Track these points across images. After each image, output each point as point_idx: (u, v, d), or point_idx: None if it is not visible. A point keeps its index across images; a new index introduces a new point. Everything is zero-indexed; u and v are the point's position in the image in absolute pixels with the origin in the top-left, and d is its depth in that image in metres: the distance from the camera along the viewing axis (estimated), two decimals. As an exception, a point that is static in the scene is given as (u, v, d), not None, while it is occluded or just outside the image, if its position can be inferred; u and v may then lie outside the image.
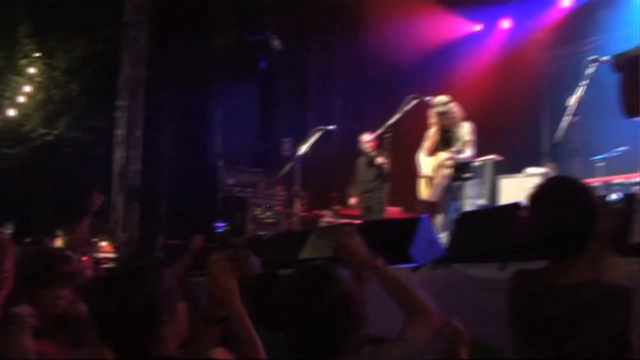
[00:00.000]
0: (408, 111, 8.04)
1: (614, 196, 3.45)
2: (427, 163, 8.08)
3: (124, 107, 9.94)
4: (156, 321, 2.38)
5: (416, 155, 8.28)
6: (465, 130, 7.86)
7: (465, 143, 7.74)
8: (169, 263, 5.67)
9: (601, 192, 9.10)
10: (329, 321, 2.38)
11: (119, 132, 9.95)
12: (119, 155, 9.87)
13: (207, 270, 2.69)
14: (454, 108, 7.93)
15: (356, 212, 10.31)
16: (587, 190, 2.71)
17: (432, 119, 8.02)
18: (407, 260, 5.30)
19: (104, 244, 10.73)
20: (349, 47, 11.52)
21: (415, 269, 5.07)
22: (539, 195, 2.69)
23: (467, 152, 7.85)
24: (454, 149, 7.72)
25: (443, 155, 7.83)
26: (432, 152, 8.08)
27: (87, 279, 4.49)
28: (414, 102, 7.99)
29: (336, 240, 2.94)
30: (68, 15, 11.94)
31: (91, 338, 2.92)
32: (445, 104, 7.89)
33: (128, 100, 9.93)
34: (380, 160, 8.99)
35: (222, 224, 9.87)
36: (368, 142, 9.36)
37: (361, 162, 9.64)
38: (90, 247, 9.26)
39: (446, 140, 7.92)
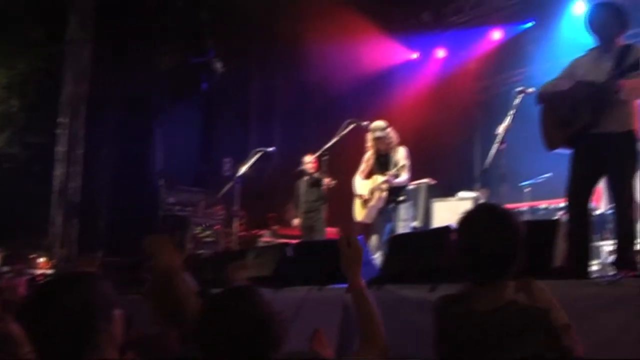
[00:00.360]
0: (345, 135, 8.27)
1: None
2: (363, 185, 8.29)
3: (66, 124, 9.87)
4: (92, 329, 2.37)
5: (353, 178, 8.50)
6: (401, 154, 8.11)
7: (401, 167, 7.97)
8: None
9: (528, 217, 9.58)
10: (249, 342, 2.41)
11: (60, 149, 9.87)
12: (59, 172, 9.79)
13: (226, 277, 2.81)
14: (391, 133, 8.18)
15: (295, 232, 10.46)
16: (511, 217, 2.82)
17: (369, 143, 8.24)
18: (342, 280, 5.48)
19: (41, 260, 10.62)
20: (290, 71, 11.72)
21: (348, 290, 5.24)
22: (466, 221, 2.83)
23: (403, 176, 8.08)
24: (390, 172, 7.94)
25: (379, 178, 8.04)
26: (368, 175, 8.29)
27: (19, 296, 4.41)
28: (351, 126, 8.23)
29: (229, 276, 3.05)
30: (10, 31, 11.80)
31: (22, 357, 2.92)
32: (382, 129, 8.13)
33: (70, 118, 9.87)
34: (327, 181, 9.14)
35: (161, 243, 9.88)
36: (310, 162, 9.50)
37: (303, 182, 9.75)
38: (28, 264, 9.20)
39: (382, 164, 8.14)
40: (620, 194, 4.98)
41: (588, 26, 5.28)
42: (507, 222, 2.75)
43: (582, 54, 5.42)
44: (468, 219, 2.80)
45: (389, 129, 8.17)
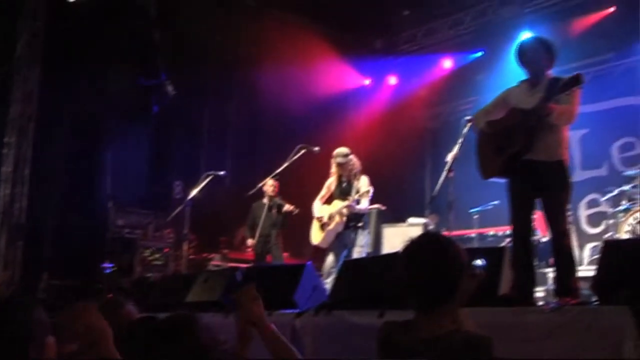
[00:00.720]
0: (296, 160, 8.31)
1: (478, 262, 3.72)
2: (322, 210, 8.31)
3: (12, 144, 9.68)
4: (24, 356, 2.34)
5: (289, 207, 8.55)
6: (364, 182, 8.15)
7: (362, 194, 8.02)
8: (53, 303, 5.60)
9: (476, 243, 9.74)
10: None
11: (6, 169, 9.66)
12: (4, 192, 9.57)
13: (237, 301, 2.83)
14: (353, 160, 8.25)
15: (246, 256, 10.42)
16: (454, 246, 2.84)
17: (333, 169, 8.30)
18: (291, 305, 5.49)
19: (-18, 283, 10.35)
20: (243, 95, 11.73)
21: (298, 315, 5.25)
22: (409, 250, 2.87)
23: (364, 203, 8.14)
24: (351, 198, 7.99)
25: (339, 203, 8.09)
26: (329, 200, 8.34)
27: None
28: (302, 151, 8.27)
29: (239, 300, 3.07)
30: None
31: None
32: (345, 155, 8.19)
33: (17, 137, 9.69)
34: (290, 208, 9.13)
35: (109, 265, 9.75)
36: (272, 186, 9.38)
37: (262, 205, 9.55)
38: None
39: (344, 190, 8.18)
40: (555, 223, 5.11)
41: (518, 59, 5.45)
42: (449, 250, 2.79)
43: (514, 84, 5.56)
44: (411, 247, 2.84)
45: (351, 156, 8.24)
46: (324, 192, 8.39)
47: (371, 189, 8.02)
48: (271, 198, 9.41)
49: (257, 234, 9.33)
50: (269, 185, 9.29)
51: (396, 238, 9.92)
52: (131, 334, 3.07)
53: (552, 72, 5.42)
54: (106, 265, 9.72)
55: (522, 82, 5.49)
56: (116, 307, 3.74)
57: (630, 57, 10.48)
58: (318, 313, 5.21)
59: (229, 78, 11.39)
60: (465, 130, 6.50)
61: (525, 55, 5.41)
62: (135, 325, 3.18)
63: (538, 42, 5.54)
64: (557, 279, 5.11)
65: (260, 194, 9.37)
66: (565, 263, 5.07)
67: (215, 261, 10.47)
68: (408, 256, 2.82)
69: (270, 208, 9.38)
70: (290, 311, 5.38)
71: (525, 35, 10.97)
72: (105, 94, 10.42)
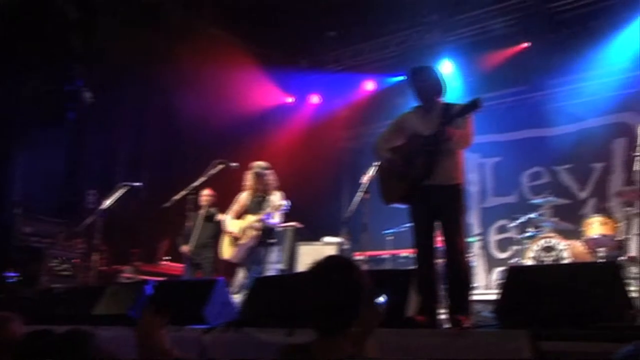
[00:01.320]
0: (213, 175, 8.26)
1: (381, 299, 3.78)
2: (234, 224, 8.26)
3: None
4: None
5: (222, 216, 8.46)
6: (278, 197, 8.18)
7: (276, 209, 8.05)
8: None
9: (389, 264, 9.89)
10: None
11: None
12: None
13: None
14: (271, 175, 8.28)
15: (159, 269, 10.26)
16: (357, 271, 2.89)
17: (248, 181, 8.26)
18: (201, 321, 5.45)
19: None
20: (163, 108, 11.58)
21: (207, 331, 5.21)
22: (314, 272, 2.91)
23: (276, 218, 8.16)
24: (264, 212, 7.99)
25: (252, 218, 8.07)
26: (241, 215, 8.30)
27: None
28: (220, 167, 8.24)
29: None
30: None
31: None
32: (264, 168, 8.24)
33: None
34: (220, 216, 8.92)
35: (13, 274, 9.41)
36: (208, 196, 9.23)
37: (197, 216, 9.26)
38: None
39: (258, 204, 8.17)
40: (452, 244, 5.26)
41: (411, 88, 5.59)
42: (352, 275, 2.83)
43: (408, 110, 5.73)
44: (315, 269, 2.87)
45: (270, 171, 8.26)
46: (236, 206, 8.36)
47: (285, 203, 8.04)
48: (208, 208, 9.23)
49: (192, 245, 9.14)
50: (205, 194, 9.15)
51: (311, 256, 9.90)
52: (24, 349, 3.00)
53: (442, 99, 5.58)
54: (10, 274, 9.37)
55: (416, 108, 5.65)
56: (3, 323, 3.62)
57: (541, 90, 10.93)
58: (227, 329, 5.19)
59: (150, 90, 11.23)
60: (375, 146, 6.63)
61: (415, 84, 5.55)
62: (29, 340, 3.11)
63: (428, 70, 5.67)
64: (451, 297, 5.22)
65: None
66: (460, 283, 5.24)
67: (126, 274, 10.24)
68: (312, 278, 2.85)
69: (206, 219, 9.20)
70: (200, 327, 5.34)
71: (446, 63, 11.35)
72: (18, 97, 10.09)
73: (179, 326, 5.33)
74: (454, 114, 5.25)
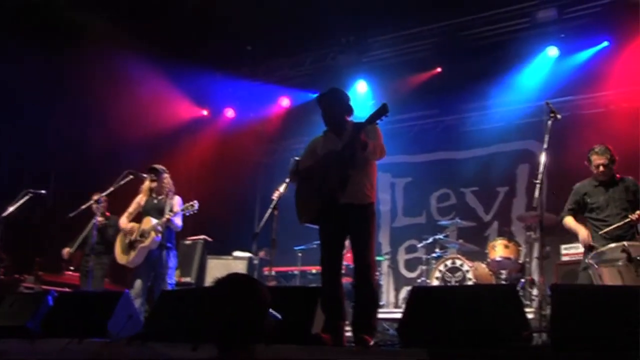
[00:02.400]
0: (122, 185, 8.12)
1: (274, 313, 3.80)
2: (133, 227, 8.09)
3: None
4: None
5: (120, 220, 8.28)
6: (176, 201, 8.10)
7: (175, 213, 7.96)
8: None
9: (297, 281, 9.92)
10: None
11: None
12: None
13: None
14: (168, 179, 8.20)
15: (62, 279, 9.95)
16: (257, 288, 2.93)
17: (146, 184, 8.16)
18: (104, 334, 5.33)
19: None
20: (73, 113, 11.24)
21: (110, 344, 5.11)
22: (214, 290, 2.92)
23: (178, 222, 8.07)
24: (167, 215, 7.87)
25: (152, 220, 7.95)
26: (137, 217, 8.16)
27: None
28: (130, 177, 8.09)
29: None
30: None
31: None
32: (161, 169, 8.17)
33: None
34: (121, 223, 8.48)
35: None
36: (105, 203, 8.91)
37: (92, 223, 8.80)
38: None
39: (156, 207, 8.05)
40: (362, 264, 5.31)
41: (321, 112, 5.67)
42: (252, 292, 2.85)
43: (320, 134, 5.79)
44: (217, 287, 2.88)
45: (167, 175, 8.17)
46: (132, 208, 8.22)
47: (195, 205, 7.98)
48: (100, 214, 8.92)
49: (85, 252, 8.92)
50: (103, 202, 8.79)
51: (220, 270, 9.89)
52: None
53: (351, 119, 5.67)
54: None
55: (328, 131, 5.73)
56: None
57: (451, 115, 11.27)
58: (131, 343, 5.09)
59: (58, 95, 10.90)
60: (294, 169, 6.67)
61: (323, 108, 5.63)
62: None
63: (333, 94, 5.73)
64: (357, 316, 5.27)
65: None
66: (368, 302, 5.29)
67: (28, 283, 9.88)
68: (212, 296, 2.85)
69: (100, 228, 8.85)
70: (102, 340, 5.22)
71: (361, 83, 11.55)
72: None
73: (80, 338, 5.21)
74: (365, 122, 5.33)
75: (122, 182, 8.04)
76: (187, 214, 8.05)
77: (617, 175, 6.86)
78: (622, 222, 6.52)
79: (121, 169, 8.17)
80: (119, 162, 8.66)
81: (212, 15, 10.28)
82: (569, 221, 6.91)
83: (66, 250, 9.24)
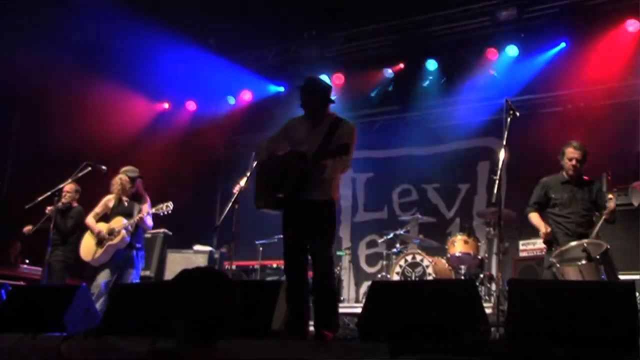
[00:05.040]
0: (81, 177, 8.04)
1: None
2: (102, 226, 7.98)
3: None
4: None
5: (87, 219, 8.19)
6: (148, 201, 8.10)
7: (148, 213, 7.94)
8: None
9: (257, 275, 9.90)
10: None
11: None
12: None
13: None
14: (139, 181, 8.16)
15: (15, 272, 9.75)
16: (225, 281, 2.90)
17: (117, 185, 8.08)
18: (60, 328, 5.25)
19: None
20: (31, 112, 11.02)
21: (66, 339, 5.04)
22: (181, 283, 2.88)
23: (149, 222, 8.05)
24: (141, 214, 7.86)
25: (122, 220, 7.89)
26: (104, 217, 8.08)
27: None
28: (88, 168, 8.02)
29: None
30: None
31: None
32: (133, 172, 8.11)
33: None
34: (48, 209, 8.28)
35: None
36: (70, 192, 8.61)
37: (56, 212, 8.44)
38: None
39: (125, 208, 8.02)
40: (320, 257, 5.32)
41: (300, 100, 5.66)
42: (220, 285, 2.83)
43: (298, 115, 5.76)
44: (185, 281, 2.85)
45: (138, 176, 8.13)
46: (99, 209, 8.15)
47: (169, 206, 7.95)
48: (67, 204, 8.64)
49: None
50: (65, 190, 8.49)
51: (180, 264, 9.86)
52: None
53: (331, 111, 5.67)
54: None
55: (305, 117, 5.68)
56: None
57: (413, 111, 11.32)
58: (87, 337, 5.04)
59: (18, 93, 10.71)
60: (254, 163, 6.62)
61: (304, 96, 5.61)
62: None
63: (315, 83, 5.75)
64: (317, 312, 5.28)
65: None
66: (327, 297, 5.30)
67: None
68: (179, 289, 2.82)
69: (62, 214, 8.63)
70: (58, 334, 5.15)
71: (337, 75, 11.54)
72: None
73: (34, 334, 5.14)
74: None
75: (81, 174, 7.96)
76: (161, 214, 8.01)
77: (586, 177, 6.97)
78: (599, 224, 6.57)
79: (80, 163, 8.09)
80: (79, 157, 8.49)
81: (175, 7, 10.16)
82: (534, 217, 6.97)
83: (28, 228, 8.90)
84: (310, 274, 5.41)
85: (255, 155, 5.92)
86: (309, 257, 5.41)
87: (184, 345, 2.80)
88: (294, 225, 5.42)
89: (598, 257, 6.12)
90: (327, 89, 5.69)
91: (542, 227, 6.81)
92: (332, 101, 5.65)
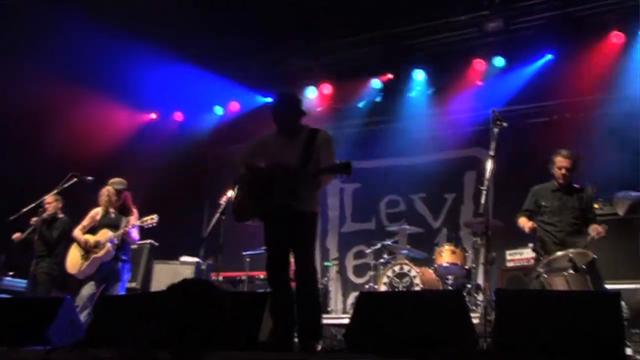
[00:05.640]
0: (66, 188, 8.00)
1: None
2: (88, 238, 7.94)
3: None
4: None
5: (74, 232, 8.14)
6: (135, 215, 8.07)
7: (133, 225, 7.90)
8: None
9: (245, 286, 9.86)
10: None
11: None
12: None
13: None
14: (127, 193, 8.14)
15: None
16: (216, 293, 2.90)
17: (104, 197, 8.05)
18: (44, 341, 5.20)
19: None
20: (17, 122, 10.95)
21: (50, 352, 4.98)
22: (171, 295, 2.87)
23: (135, 235, 8.01)
24: (128, 226, 7.82)
25: (108, 232, 7.84)
26: (92, 229, 8.03)
27: None
28: (74, 179, 7.99)
29: None
30: None
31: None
32: (121, 185, 8.07)
33: None
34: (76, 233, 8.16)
35: None
36: (53, 202, 8.51)
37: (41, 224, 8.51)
38: None
39: (112, 220, 7.98)
40: (303, 271, 5.32)
41: (272, 117, 5.65)
42: (207, 294, 2.81)
43: (270, 132, 5.74)
44: (173, 292, 2.83)
45: (126, 189, 8.11)
46: (86, 222, 8.11)
47: (137, 223, 7.92)
48: (51, 215, 8.53)
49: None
50: (48, 202, 8.44)
51: (167, 275, 9.82)
52: None
53: (307, 122, 5.68)
54: None
55: (278, 132, 5.68)
56: None
57: (400, 121, 11.33)
58: (72, 350, 4.99)
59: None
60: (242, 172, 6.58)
61: (273, 113, 5.62)
62: None
63: (282, 98, 5.73)
64: (302, 322, 5.27)
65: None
66: (311, 308, 5.29)
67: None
68: (169, 301, 2.80)
69: (47, 225, 8.53)
70: (42, 347, 5.09)
71: (311, 89, 11.55)
72: None
73: (11, 347, 5.09)
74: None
75: (66, 185, 7.93)
76: (147, 227, 7.98)
77: (577, 185, 7.00)
78: (588, 240, 6.58)
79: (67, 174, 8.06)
80: (65, 168, 8.46)
81: (158, 20, 10.14)
82: (521, 219, 6.99)
83: (17, 235, 8.79)
84: (293, 284, 5.40)
85: (234, 168, 5.88)
86: (293, 268, 5.41)
87: (174, 356, 2.79)
88: (277, 236, 5.41)
89: (584, 267, 6.14)
90: (298, 101, 5.70)
91: (527, 225, 6.82)
92: (304, 113, 5.67)
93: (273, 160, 5.51)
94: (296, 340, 5.28)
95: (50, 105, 10.46)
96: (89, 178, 8.05)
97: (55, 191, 8.00)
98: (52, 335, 5.26)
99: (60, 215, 8.70)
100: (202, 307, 2.79)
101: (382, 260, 9.72)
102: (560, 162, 6.91)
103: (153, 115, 12.86)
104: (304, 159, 5.36)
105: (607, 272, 6.99)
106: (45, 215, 8.39)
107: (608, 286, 6.84)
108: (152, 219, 7.90)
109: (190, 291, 2.86)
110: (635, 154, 9.09)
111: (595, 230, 6.56)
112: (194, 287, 2.90)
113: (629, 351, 5.43)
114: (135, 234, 8.00)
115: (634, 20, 9.40)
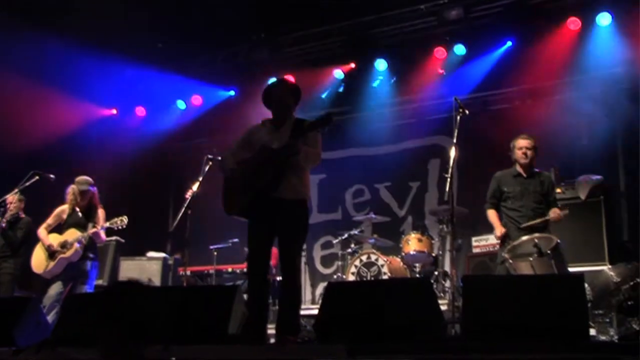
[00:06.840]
0: (27, 186, 7.89)
1: None
2: (52, 238, 7.85)
3: None
4: None
5: (38, 230, 8.02)
6: (101, 214, 7.98)
7: (102, 227, 7.82)
8: None
9: (212, 281, 9.84)
10: None
11: None
12: None
13: None
14: (94, 191, 8.03)
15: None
16: (138, 294, 2.94)
17: (70, 195, 7.95)
18: (9, 342, 5.12)
19: None
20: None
21: (17, 352, 4.92)
22: (107, 296, 2.90)
23: (103, 236, 7.95)
24: (92, 230, 7.72)
25: (76, 232, 7.74)
26: (58, 227, 7.94)
27: None
28: (35, 178, 7.87)
29: None
30: None
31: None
32: (89, 184, 7.97)
33: None
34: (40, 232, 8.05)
35: None
36: (13, 203, 8.29)
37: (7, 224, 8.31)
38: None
39: (79, 220, 7.89)
40: (288, 259, 5.27)
41: (265, 100, 5.66)
42: (131, 298, 2.85)
43: (258, 123, 5.75)
44: (109, 294, 2.88)
45: (93, 187, 8.01)
46: (52, 220, 8.00)
47: (106, 225, 7.84)
48: (12, 215, 8.34)
49: None
50: (10, 202, 8.24)
51: (134, 271, 9.77)
52: None
53: (295, 113, 5.69)
54: None
55: (266, 121, 5.67)
56: None
57: (364, 111, 11.35)
58: (40, 350, 4.93)
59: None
60: (206, 168, 6.54)
61: (271, 95, 5.62)
62: None
63: (284, 84, 5.80)
64: (280, 315, 5.26)
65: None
66: (292, 302, 5.26)
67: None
68: (105, 302, 2.84)
69: (10, 226, 8.33)
70: (7, 348, 5.02)
71: (273, 81, 11.48)
72: None
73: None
74: (305, 129, 5.30)
75: (28, 183, 7.81)
76: (116, 229, 7.90)
77: (537, 169, 7.09)
78: (539, 220, 6.71)
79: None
80: (27, 166, 8.32)
81: (124, 11, 10.01)
82: (491, 215, 7.06)
83: None
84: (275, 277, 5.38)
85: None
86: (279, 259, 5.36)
87: (107, 354, 2.82)
88: (261, 228, 5.33)
89: (549, 251, 6.24)
90: (297, 93, 5.72)
91: (498, 229, 6.89)
92: (298, 102, 5.70)
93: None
94: (271, 332, 5.25)
95: (7, 105, 10.27)
96: (51, 176, 7.92)
97: (16, 190, 7.86)
98: (18, 336, 5.17)
99: (23, 215, 8.55)
100: (121, 307, 2.83)
101: (349, 250, 9.75)
102: (520, 143, 7.01)
103: (114, 111, 12.69)
104: (291, 137, 5.32)
105: (570, 255, 7.13)
106: (7, 215, 8.26)
107: (571, 269, 6.97)
108: (121, 221, 7.81)
109: (115, 289, 2.91)
110: (595, 138, 9.26)
111: (554, 212, 6.68)
112: (119, 285, 2.95)
113: (592, 332, 5.56)
114: (103, 235, 7.92)
115: (590, 6, 9.56)
